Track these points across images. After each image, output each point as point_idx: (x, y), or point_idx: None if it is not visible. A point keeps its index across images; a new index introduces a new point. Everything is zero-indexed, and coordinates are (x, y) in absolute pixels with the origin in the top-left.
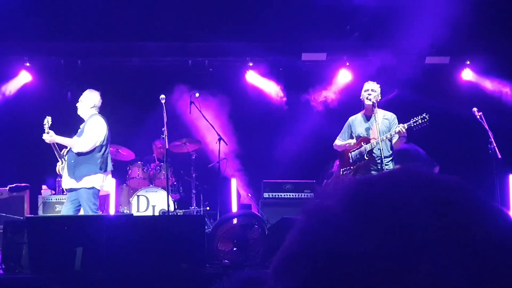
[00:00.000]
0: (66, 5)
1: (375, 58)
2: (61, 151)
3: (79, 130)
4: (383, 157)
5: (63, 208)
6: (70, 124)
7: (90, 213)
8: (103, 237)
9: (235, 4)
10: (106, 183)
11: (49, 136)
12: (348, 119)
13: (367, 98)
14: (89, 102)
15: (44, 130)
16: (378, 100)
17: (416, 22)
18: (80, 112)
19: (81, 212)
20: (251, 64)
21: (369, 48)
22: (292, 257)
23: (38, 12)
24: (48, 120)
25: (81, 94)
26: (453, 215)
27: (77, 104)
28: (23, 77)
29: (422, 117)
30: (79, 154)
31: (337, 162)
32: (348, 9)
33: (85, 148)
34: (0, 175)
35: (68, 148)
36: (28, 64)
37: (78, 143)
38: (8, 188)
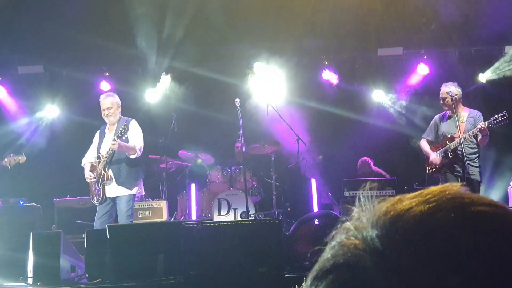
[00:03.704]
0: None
1: (453, 50)
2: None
3: (116, 137)
4: (466, 155)
5: (96, 222)
6: (147, 131)
7: (127, 220)
8: (183, 243)
9: (309, 3)
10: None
11: (117, 143)
12: (432, 116)
13: (444, 104)
14: (117, 105)
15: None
16: (458, 99)
17: (494, 10)
18: (113, 118)
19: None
20: (326, 63)
21: (446, 39)
22: None
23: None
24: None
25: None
26: None
27: (107, 112)
28: (103, 87)
29: (501, 114)
30: (128, 160)
31: (362, 160)
32: (424, 1)
33: (139, 153)
34: (84, 185)
35: (110, 157)
36: (107, 74)
37: (137, 149)
38: (92, 196)
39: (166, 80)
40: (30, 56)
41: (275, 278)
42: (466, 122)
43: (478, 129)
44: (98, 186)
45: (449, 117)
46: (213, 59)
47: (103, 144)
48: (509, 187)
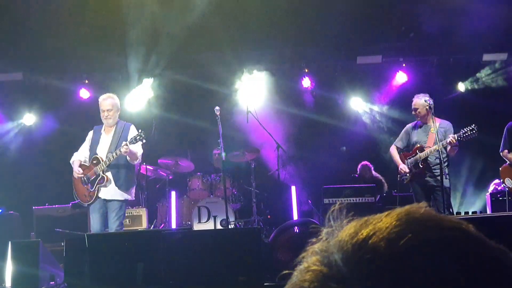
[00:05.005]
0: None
1: (432, 58)
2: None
3: (113, 143)
4: (435, 165)
5: (94, 224)
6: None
7: (118, 226)
8: (162, 252)
9: (289, 12)
10: None
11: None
12: (406, 124)
13: (416, 115)
14: (117, 108)
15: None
16: (427, 109)
17: (472, 19)
18: (112, 121)
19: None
20: (306, 70)
21: (425, 47)
22: None
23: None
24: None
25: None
26: None
27: (107, 114)
28: (83, 95)
29: (470, 128)
30: (127, 165)
31: (362, 164)
32: (403, 9)
33: (140, 159)
34: (62, 193)
35: (113, 160)
36: (86, 81)
37: (139, 155)
38: (71, 205)
39: (146, 87)
40: (9, 63)
41: (254, 287)
42: (438, 133)
43: (448, 142)
44: (92, 187)
45: (420, 127)
46: (193, 66)
47: (100, 146)
48: (487, 193)
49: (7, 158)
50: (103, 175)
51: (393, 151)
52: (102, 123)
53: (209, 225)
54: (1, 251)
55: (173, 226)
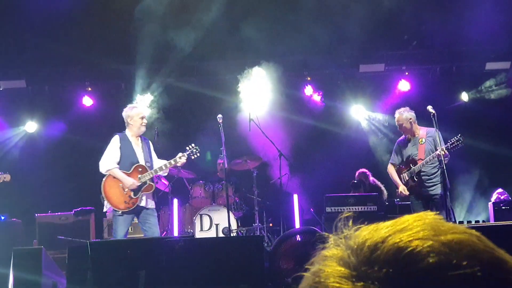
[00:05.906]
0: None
1: (435, 66)
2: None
3: (145, 153)
4: (430, 175)
5: (121, 231)
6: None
7: (159, 231)
8: (164, 259)
9: (291, 20)
10: None
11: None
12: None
13: (401, 130)
14: None
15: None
16: (412, 122)
17: (475, 27)
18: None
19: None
20: (309, 78)
21: (428, 56)
22: None
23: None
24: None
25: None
26: None
27: (145, 122)
28: (86, 102)
29: (456, 139)
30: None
31: (359, 172)
32: (405, 18)
33: None
34: (65, 200)
35: (163, 169)
36: (89, 89)
37: None
38: (73, 212)
39: (149, 95)
40: (12, 70)
41: None
42: (426, 143)
43: (437, 155)
44: (136, 194)
45: (409, 140)
46: (196, 74)
47: (138, 155)
48: (490, 202)
49: (9, 165)
50: (150, 183)
51: (391, 170)
52: (121, 131)
53: (211, 233)
54: (3, 258)
55: (175, 233)
